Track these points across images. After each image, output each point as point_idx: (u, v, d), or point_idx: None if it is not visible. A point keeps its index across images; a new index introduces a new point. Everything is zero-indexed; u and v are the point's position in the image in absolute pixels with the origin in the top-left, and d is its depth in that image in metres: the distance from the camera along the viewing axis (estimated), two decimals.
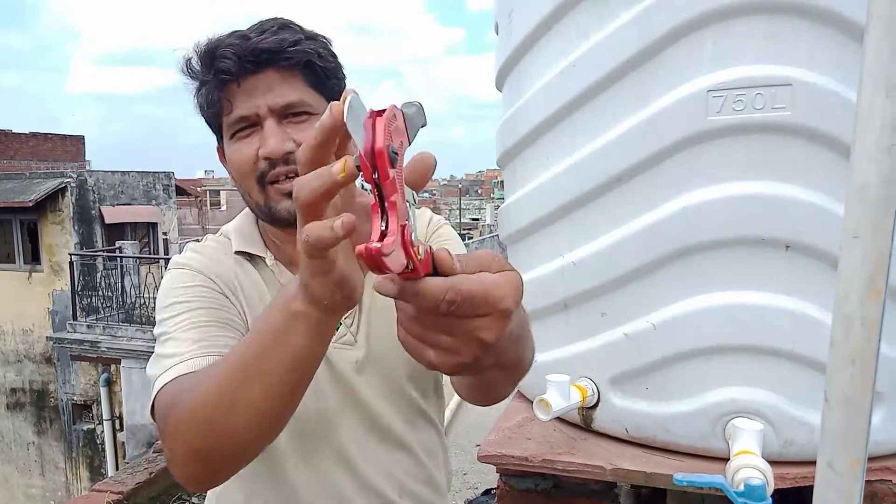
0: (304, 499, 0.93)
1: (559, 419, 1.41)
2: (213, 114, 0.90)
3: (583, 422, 1.40)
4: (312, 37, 0.90)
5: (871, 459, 1.25)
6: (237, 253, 0.96)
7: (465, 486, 3.56)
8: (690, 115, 1.18)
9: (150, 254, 12.41)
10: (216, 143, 0.97)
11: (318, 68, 0.88)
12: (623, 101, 1.25)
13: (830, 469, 0.55)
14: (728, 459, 1.21)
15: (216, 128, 0.93)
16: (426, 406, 1.00)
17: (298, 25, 0.90)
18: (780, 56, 1.13)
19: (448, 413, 4.49)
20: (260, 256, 0.97)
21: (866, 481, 1.23)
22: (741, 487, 0.96)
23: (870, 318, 0.51)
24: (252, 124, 0.87)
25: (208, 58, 0.85)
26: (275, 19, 0.89)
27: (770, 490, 0.95)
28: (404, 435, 0.97)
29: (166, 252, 12.65)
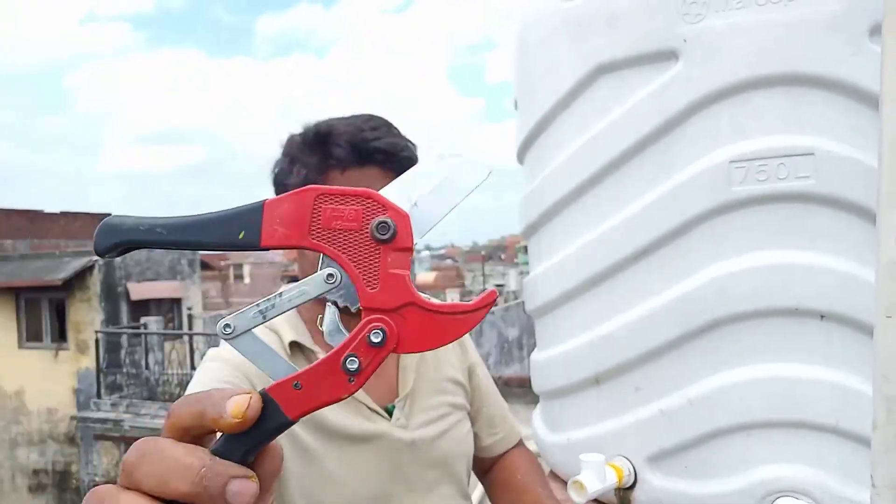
0: None
1: (595, 502, 1.35)
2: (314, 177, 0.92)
3: (620, 503, 1.35)
4: (412, 143, 0.95)
5: None
6: (291, 344, 0.97)
7: None
8: (714, 186, 1.18)
9: (174, 329, 12.51)
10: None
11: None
12: (645, 174, 1.26)
13: None
14: None
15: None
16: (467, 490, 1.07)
17: (397, 128, 0.95)
18: (801, 126, 1.14)
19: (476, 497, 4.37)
20: (312, 350, 0.98)
21: None
22: None
23: None
24: None
25: (318, 140, 0.88)
26: (378, 117, 0.94)
27: None
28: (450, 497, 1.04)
29: (190, 327, 12.76)
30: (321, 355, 0.97)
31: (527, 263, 1.64)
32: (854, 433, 1.13)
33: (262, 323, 0.41)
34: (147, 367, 10.17)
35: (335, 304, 0.40)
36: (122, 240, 0.39)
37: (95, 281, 11.50)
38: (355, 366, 0.38)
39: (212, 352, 0.94)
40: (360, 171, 0.88)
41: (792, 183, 1.14)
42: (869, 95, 1.09)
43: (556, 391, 1.49)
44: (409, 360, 1.08)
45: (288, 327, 0.97)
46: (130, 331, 11.11)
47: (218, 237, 0.39)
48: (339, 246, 0.38)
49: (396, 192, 0.40)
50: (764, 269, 1.16)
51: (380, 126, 0.91)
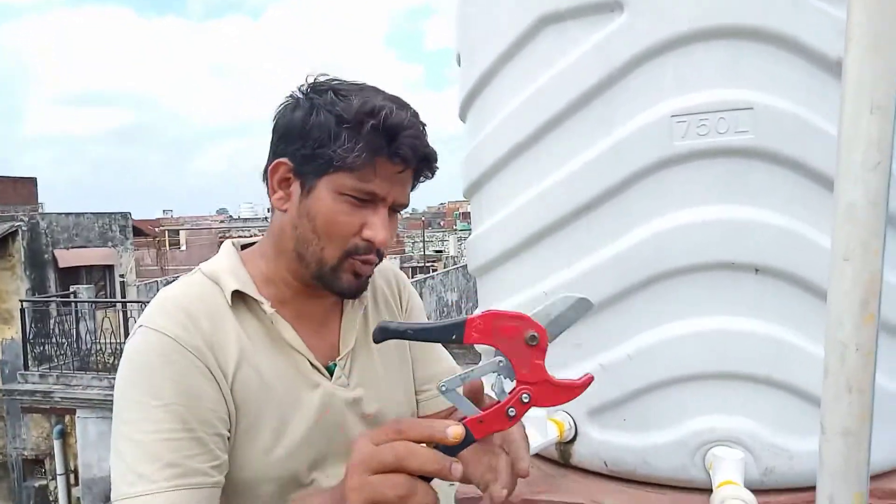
0: None
1: (537, 456, 1.36)
2: (337, 159, 0.87)
3: (561, 457, 1.36)
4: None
5: None
6: (234, 293, 0.93)
7: None
8: (655, 140, 1.17)
9: (106, 297, 12.05)
10: (277, 159, 0.93)
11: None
12: (587, 129, 1.24)
13: None
14: (710, 490, 1.18)
15: (314, 158, 0.89)
16: None
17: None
18: (741, 80, 1.14)
19: None
20: (256, 301, 0.94)
21: None
22: None
23: (865, 344, 0.49)
24: (370, 201, 0.90)
25: (388, 133, 0.87)
26: (418, 117, 0.93)
27: None
28: None
29: (123, 295, 12.32)
30: (266, 306, 0.93)
31: (465, 230, 1.62)
32: (786, 384, 1.17)
33: (462, 384, 0.70)
34: (78, 336, 9.78)
35: (500, 376, 0.68)
36: (388, 336, 0.69)
37: (19, 248, 10.92)
38: (513, 413, 0.67)
39: (157, 319, 0.87)
40: (401, 170, 0.91)
41: (731, 137, 1.14)
42: (809, 50, 1.10)
43: None
44: (351, 322, 1.04)
45: (231, 278, 0.93)
46: (59, 299, 10.64)
47: (440, 336, 0.68)
48: (506, 344, 0.66)
49: (540, 317, 0.69)
50: (702, 224, 1.17)
51: (423, 132, 0.93)
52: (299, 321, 0.97)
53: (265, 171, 0.97)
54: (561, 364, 1.34)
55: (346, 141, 0.86)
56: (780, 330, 1.17)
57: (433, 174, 0.97)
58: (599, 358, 1.27)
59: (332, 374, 0.99)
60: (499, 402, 0.67)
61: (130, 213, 13.58)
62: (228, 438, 0.89)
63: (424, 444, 0.66)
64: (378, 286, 1.14)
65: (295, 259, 0.94)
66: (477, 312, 0.68)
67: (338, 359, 1.00)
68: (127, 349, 0.87)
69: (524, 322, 0.66)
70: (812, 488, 1.22)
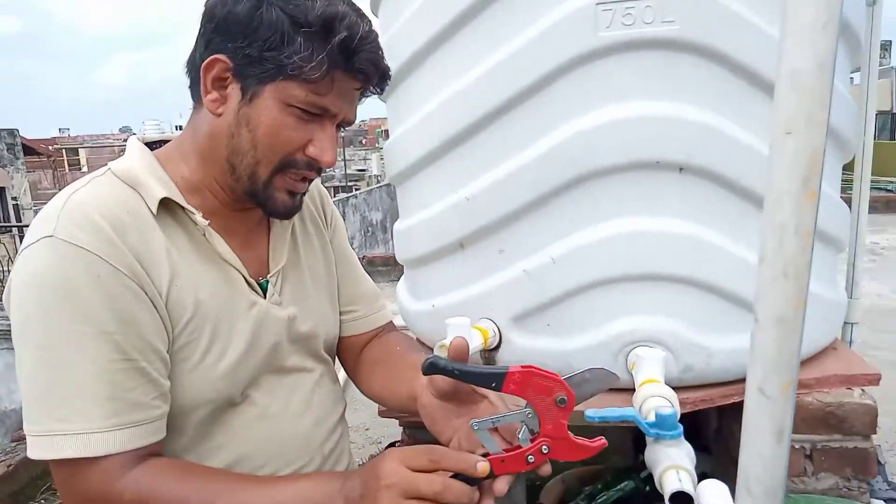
0: (236, 445, 0.89)
1: None
2: (291, 67, 0.77)
3: (485, 364, 1.34)
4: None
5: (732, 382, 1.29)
6: (162, 201, 0.82)
7: (367, 440, 3.50)
8: (580, 31, 1.10)
9: None
10: (213, 55, 0.80)
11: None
12: (509, 19, 1.15)
13: (761, 394, 0.51)
14: (631, 389, 1.19)
15: (260, 61, 0.78)
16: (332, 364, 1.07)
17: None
18: None
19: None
20: (185, 210, 0.84)
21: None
22: (651, 417, 0.93)
23: (805, 224, 0.46)
24: (319, 115, 0.82)
25: (348, 44, 0.77)
26: (372, 26, 0.83)
27: (678, 417, 0.93)
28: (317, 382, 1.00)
29: (18, 219, 11.50)
30: (198, 217, 0.83)
31: None
32: (706, 283, 1.17)
33: (492, 426, 0.75)
34: None
35: (525, 425, 0.73)
36: (437, 372, 0.74)
37: None
38: (532, 460, 0.73)
39: (67, 226, 0.75)
40: (356, 87, 0.83)
41: (658, 28, 1.08)
42: None
43: (420, 259, 1.43)
44: (281, 237, 0.95)
45: (155, 182, 0.82)
46: None
47: (480, 381, 0.73)
48: (537, 399, 0.72)
49: (573, 381, 0.74)
50: (627, 120, 1.12)
51: (380, 48, 0.83)
52: (227, 234, 0.88)
53: (192, 64, 0.83)
54: (484, 270, 1.30)
55: (303, 48, 0.76)
56: (702, 229, 1.16)
57: (383, 92, 0.88)
58: (523, 263, 1.24)
59: (264, 292, 0.91)
60: (521, 446, 0.73)
61: (18, 130, 12.46)
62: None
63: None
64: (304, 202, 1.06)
65: (226, 170, 0.84)
66: (517, 367, 0.72)
67: (269, 276, 0.92)
68: (34, 265, 0.74)
69: (557, 384, 0.72)
70: (726, 384, 1.26)
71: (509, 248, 1.26)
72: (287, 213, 0.89)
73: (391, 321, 1.13)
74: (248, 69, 0.79)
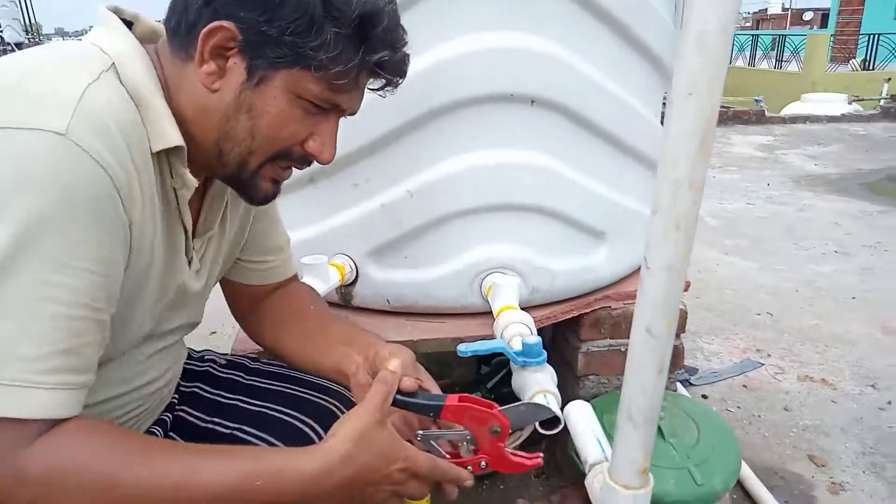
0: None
1: None
2: (313, 59, 0.66)
3: (342, 300, 1.33)
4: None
5: (593, 291, 1.42)
6: (173, 150, 0.68)
7: None
8: None
9: None
10: (217, 20, 0.65)
11: None
12: None
13: (649, 334, 0.56)
14: (484, 313, 1.26)
15: (278, 44, 0.65)
16: None
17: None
18: None
19: None
20: (183, 163, 0.70)
21: (592, 310, 1.39)
22: (518, 346, 0.99)
23: (697, 181, 0.49)
24: (326, 109, 0.73)
25: (382, 45, 0.69)
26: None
27: (542, 344, 1.00)
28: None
29: None
30: (189, 176, 0.69)
31: None
32: (553, 211, 1.24)
33: (439, 438, 0.80)
34: None
35: (468, 443, 0.78)
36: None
37: None
38: (471, 469, 0.77)
39: (84, 144, 0.57)
40: (368, 80, 0.75)
41: None
42: None
43: None
44: (218, 203, 0.83)
45: (170, 124, 0.67)
46: None
47: (422, 410, 0.78)
48: (473, 426, 0.76)
49: (512, 415, 0.77)
50: (484, 52, 1.12)
51: (406, 41, 0.74)
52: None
53: (184, 11, 0.67)
54: (338, 204, 1.26)
55: (332, 45, 0.65)
56: (550, 160, 1.22)
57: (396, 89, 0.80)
58: (380, 198, 1.22)
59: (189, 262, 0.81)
60: (462, 457, 0.77)
61: None
62: None
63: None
64: None
65: (211, 151, 0.72)
66: (454, 397, 0.75)
67: (195, 240, 0.81)
68: (33, 163, 0.55)
69: (491, 416, 0.75)
70: (566, 300, 1.37)
71: (365, 183, 1.23)
72: (265, 201, 0.79)
73: (295, 274, 1.05)
74: (260, 48, 0.66)
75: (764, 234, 3.65)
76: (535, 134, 1.19)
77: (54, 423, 0.59)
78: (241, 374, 0.98)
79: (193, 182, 0.71)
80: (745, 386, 2.01)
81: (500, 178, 1.20)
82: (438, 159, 1.19)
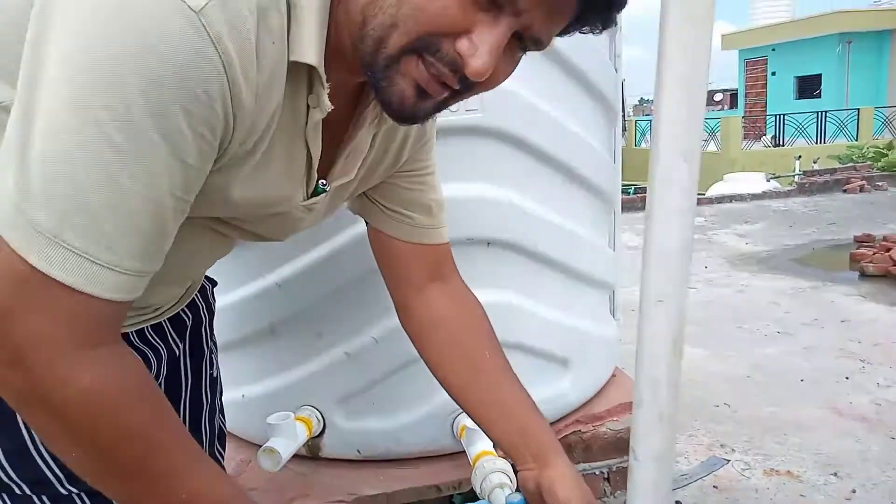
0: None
1: None
2: None
3: (309, 452, 1.29)
4: None
5: (562, 418, 1.42)
6: (310, 69, 0.61)
7: None
8: None
9: None
10: None
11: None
12: None
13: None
14: (458, 453, 1.24)
15: None
16: None
17: None
18: None
19: None
20: (318, 83, 0.62)
21: (563, 437, 1.39)
22: (501, 500, 0.97)
23: (674, 378, 0.52)
24: (498, 6, 0.57)
25: None
26: None
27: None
28: None
29: None
30: (325, 99, 0.61)
31: None
32: (517, 343, 1.26)
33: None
34: None
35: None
36: None
37: None
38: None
39: (218, 38, 0.51)
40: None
41: (463, 116, 1.14)
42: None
43: (228, 344, 1.32)
44: (363, 143, 0.75)
45: (314, 38, 0.59)
46: None
47: None
48: None
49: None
50: (448, 200, 1.16)
51: None
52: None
53: None
54: (302, 355, 1.25)
55: None
56: (509, 294, 1.25)
57: (604, 28, 0.63)
58: (344, 346, 1.22)
59: (313, 195, 0.74)
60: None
61: None
62: None
63: None
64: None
65: (358, 22, 0.61)
66: None
67: (326, 185, 0.74)
68: (151, 24, 0.49)
69: None
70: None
71: (328, 331, 1.22)
72: (400, 112, 0.64)
73: (447, 244, 0.97)
74: None
75: (709, 317, 3.77)
76: (494, 272, 1.23)
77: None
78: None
79: (328, 105, 0.63)
80: (715, 486, 2.01)
81: None
82: None
